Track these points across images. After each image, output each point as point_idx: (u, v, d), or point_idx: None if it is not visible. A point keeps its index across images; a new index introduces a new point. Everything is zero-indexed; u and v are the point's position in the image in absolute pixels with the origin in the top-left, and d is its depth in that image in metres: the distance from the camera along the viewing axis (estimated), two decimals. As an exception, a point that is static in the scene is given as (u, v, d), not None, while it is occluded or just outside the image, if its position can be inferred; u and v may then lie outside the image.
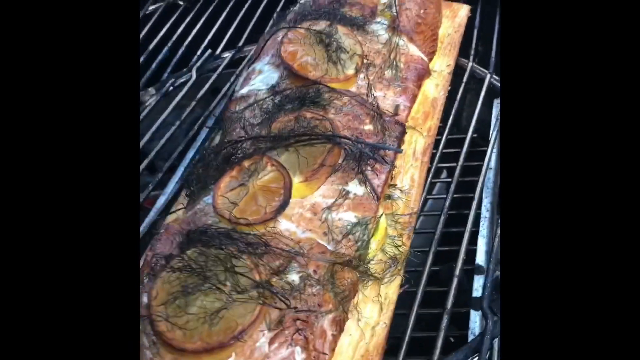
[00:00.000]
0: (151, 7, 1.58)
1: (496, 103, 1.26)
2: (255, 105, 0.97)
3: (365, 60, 1.02)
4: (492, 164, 1.20)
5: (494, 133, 1.15)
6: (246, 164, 0.83)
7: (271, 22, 1.44)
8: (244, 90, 1.04)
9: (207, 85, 1.33)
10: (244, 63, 1.36)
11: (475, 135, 1.16)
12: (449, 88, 1.18)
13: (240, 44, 1.44)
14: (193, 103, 1.29)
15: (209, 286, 0.69)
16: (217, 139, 1.11)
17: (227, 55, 1.43)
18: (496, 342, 0.82)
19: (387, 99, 1.01)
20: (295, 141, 0.85)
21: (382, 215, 0.88)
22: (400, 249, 0.88)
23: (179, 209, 0.99)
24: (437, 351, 0.82)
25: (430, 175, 1.05)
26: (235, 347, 0.67)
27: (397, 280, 0.87)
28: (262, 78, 1.04)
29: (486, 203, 1.14)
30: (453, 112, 1.17)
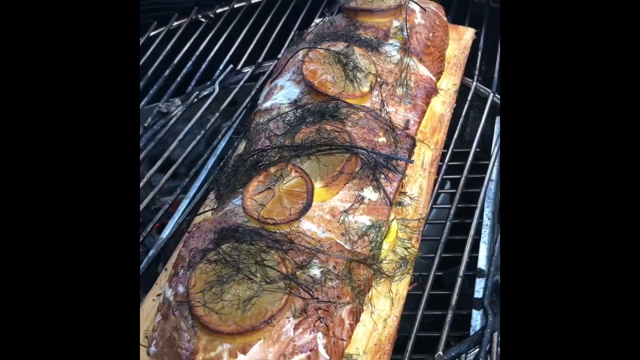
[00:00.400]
0: (175, 23, 1.69)
1: (498, 120, 1.35)
2: (279, 117, 1.07)
3: (378, 79, 1.12)
4: (494, 176, 1.30)
5: (496, 148, 1.24)
6: (272, 170, 0.92)
7: (288, 41, 1.54)
8: (267, 104, 1.13)
9: (229, 98, 1.43)
10: (263, 78, 1.46)
11: (478, 150, 1.26)
12: (455, 105, 1.28)
13: (260, 60, 1.54)
14: (216, 114, 1.38)
15: (242, 277, 0.78)
16: (241, 147, 1.21)
17: (248, 70, 1.53)
18: (495, 335, 0.90)
19: (398, 114, 1.10)
20: (316, 150, 0.94)
21: (393, 219, 0.97)
22: (409, 250, 0.97)
23: (207, 210, 1.08)
24: (442, 342, 0.90)
25: (437, 185, 1.14)
26: (265, 331, 0.76)
27: (407, 279, 0.96)
28: (284, 93, 1.13)
29: (488, 212, 1.23)
30: (458, 127, 1.26)
